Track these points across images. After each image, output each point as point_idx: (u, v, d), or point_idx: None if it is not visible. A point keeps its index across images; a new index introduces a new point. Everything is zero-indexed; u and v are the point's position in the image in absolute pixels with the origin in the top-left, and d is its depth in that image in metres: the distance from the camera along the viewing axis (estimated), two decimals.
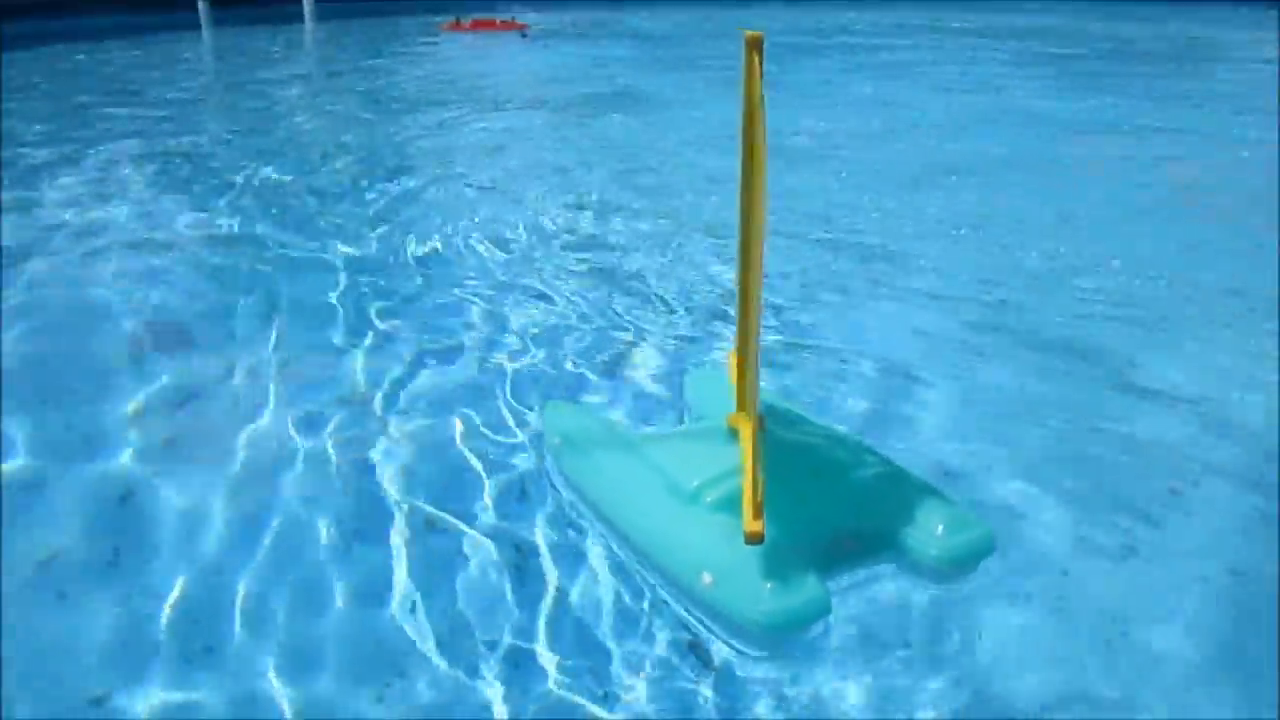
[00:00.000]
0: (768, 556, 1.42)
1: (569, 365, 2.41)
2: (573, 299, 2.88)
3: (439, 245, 3.46)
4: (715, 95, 6.96)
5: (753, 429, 1.41)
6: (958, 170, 4.58)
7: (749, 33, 1.45)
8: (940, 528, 1.55)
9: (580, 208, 3.96)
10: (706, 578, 1.45)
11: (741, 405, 1.70)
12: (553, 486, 1.84)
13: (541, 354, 2.46)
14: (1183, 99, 6.38)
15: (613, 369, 2.38)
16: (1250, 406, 2.16)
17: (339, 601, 1.57)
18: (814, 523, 1.52)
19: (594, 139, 5.43)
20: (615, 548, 1.67)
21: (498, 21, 12.67)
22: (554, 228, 3.69)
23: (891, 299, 2.89)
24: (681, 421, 2.09)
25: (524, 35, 11.73)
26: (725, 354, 1.99)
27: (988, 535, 1.56)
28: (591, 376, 2.34)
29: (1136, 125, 5.71)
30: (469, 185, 4.37)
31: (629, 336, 2.59)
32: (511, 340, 2.57)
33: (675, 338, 2.57)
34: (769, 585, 1.40)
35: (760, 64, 1.45)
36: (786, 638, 1.40)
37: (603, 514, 1.70)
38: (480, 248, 3.43)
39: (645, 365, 2.40)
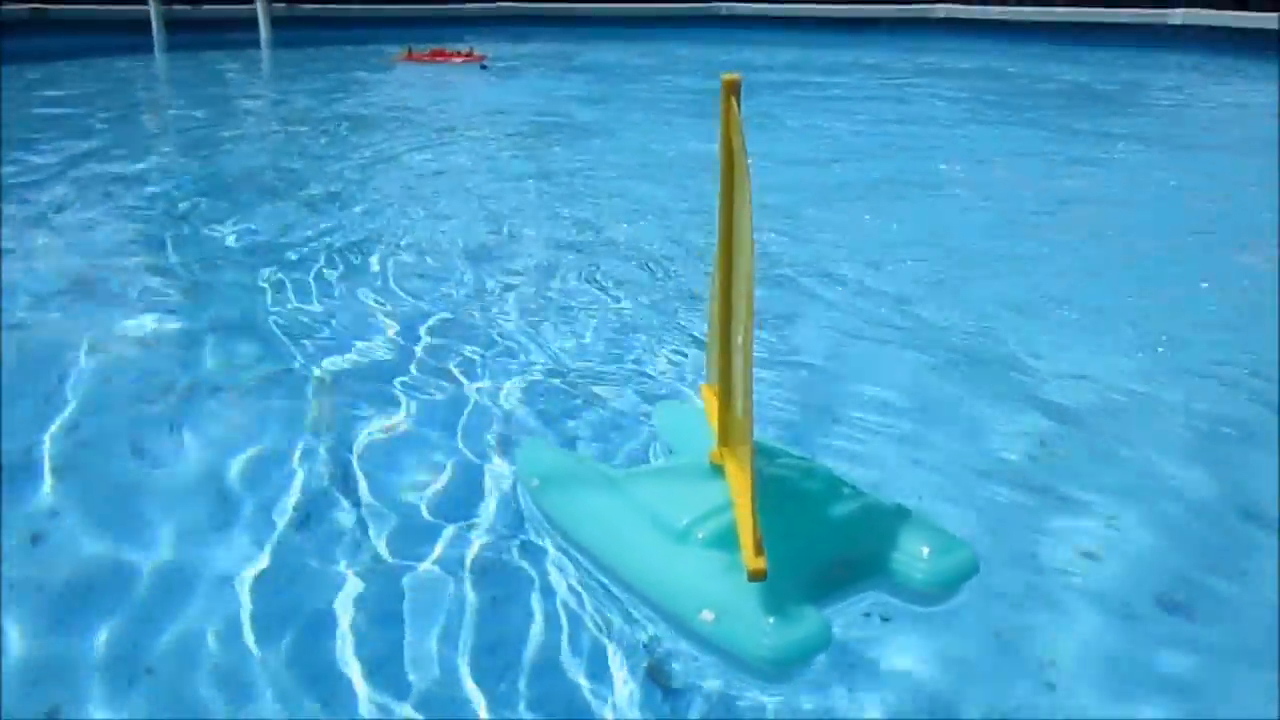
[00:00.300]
0: (766, 591, 1.44)
1: (513, 398, 2.41)
2: (508, 329, 2.91)
3: (370, 268, 3.51)
4: (668, 129, 7.03)
5: (750, 465, 1.43)
6: (867, 189, 4.84)
7: (726, 76, 1.48)
8: (925, 551, 1.59)
9: (512, 236, 4.00)
10: (707, 615, 1.46)
11: (725, 440, 1.73)
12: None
13: (487, 384, 2.48)
14: (1105, 137, 6.67)
15: (565, 401, 2.39)
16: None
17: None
18: (805, 554, 1.55)
19: (539, 170, 5.44)
20: (605, 584, 1.68)
21: (456, 53, 12.39)
22: (486, 256, 3.72)
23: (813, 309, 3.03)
24: (652, 457, 2.11)
25: (484, 67, 11.53)
26: (699, 387, 2.01)
27: (971, 557, 1.61)
28: (543, 409, 2.34)
29: (1048, 154, 5.97)
30: (405, 216, 4.34)
31: (579, 365, 2.61)
32: (447, 369, 2.58)
33: (627, 368, 2.60)
34: (771, 620, 1.42)
35: (738, 106, 1.48)
36: (792, 671, 1.42)
37: (590, 553, 1.69)
38: (411, 271, 3.47)
39: (599, 397, 2.41)
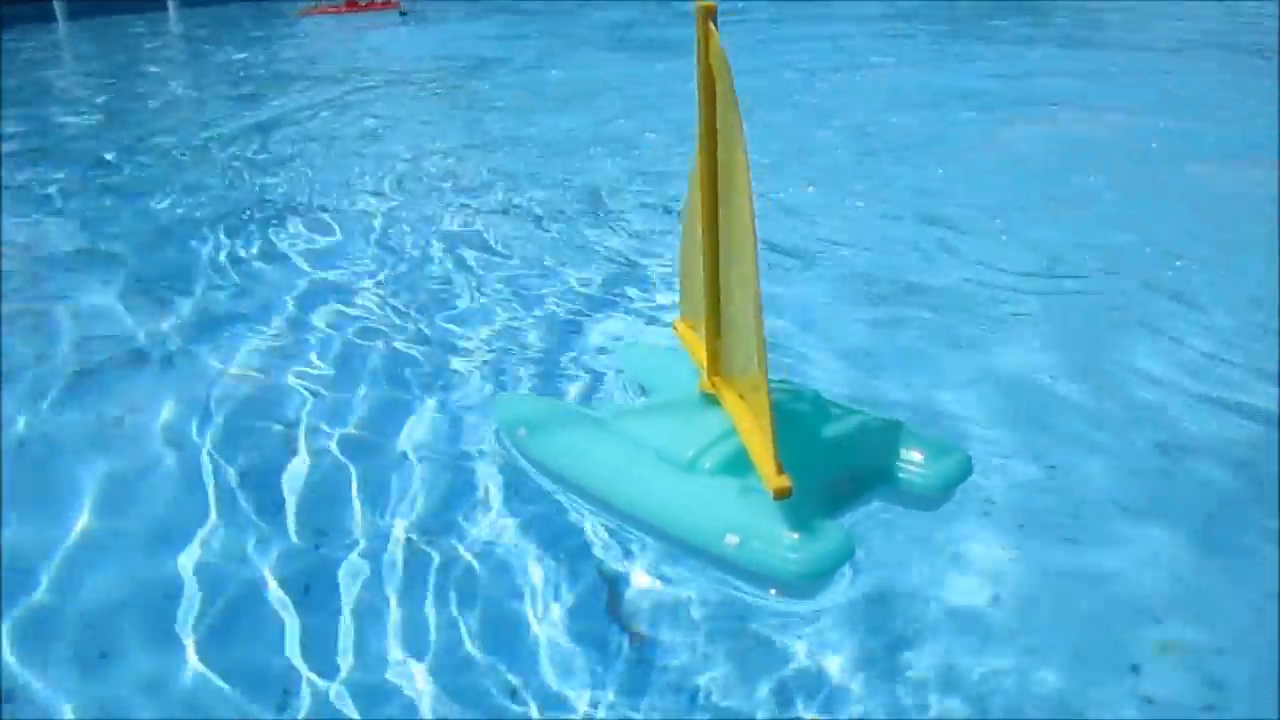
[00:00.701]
0: (786, 510, 1.48)
1: (475, 343, 2.39)
2: (465, 274, 2.88)
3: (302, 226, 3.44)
4: (593, 64, 6.96)
5: (766, 388, 1.45)
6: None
7: (701, 2, 1.47)
8: (922, 457, 1.66)
9: (434, 185, 3.93)
10: (732, 539, 1.49)
11: (715, 369, 1.74)
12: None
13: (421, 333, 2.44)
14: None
15: (517, 350, 2.37)
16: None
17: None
18: (813, 473, 1.58)
19: (465, 115, 5.35)
20: (611, 524, 1.67)
21: (365, 2, 11.65)
22: (424, 203, 3.68)
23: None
24: (617, 397, 2.11)
25: (402, 13, 10.97)
26: (672, 323, 2.02)
27: (966, 458, 1.68)
28: (495, 360, 2.32)
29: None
30: (315, 175, 4.21)
31: (532, 309, 2.61)
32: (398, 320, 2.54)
33: (574, 308, 2.60)
34: (796, 537, 1.46)
35: (715, 33, 1.48)
36: (820, 584, 1.46)
37: (593, 494, 1.69)
38: (348, 218, 3.43)
39: (550, 342, 2.40)
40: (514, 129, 5.14)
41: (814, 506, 1.51)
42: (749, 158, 1.42)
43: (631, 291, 2.72)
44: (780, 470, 1.44)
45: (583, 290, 2.76)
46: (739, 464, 1.59)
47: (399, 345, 2.44)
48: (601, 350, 2.33)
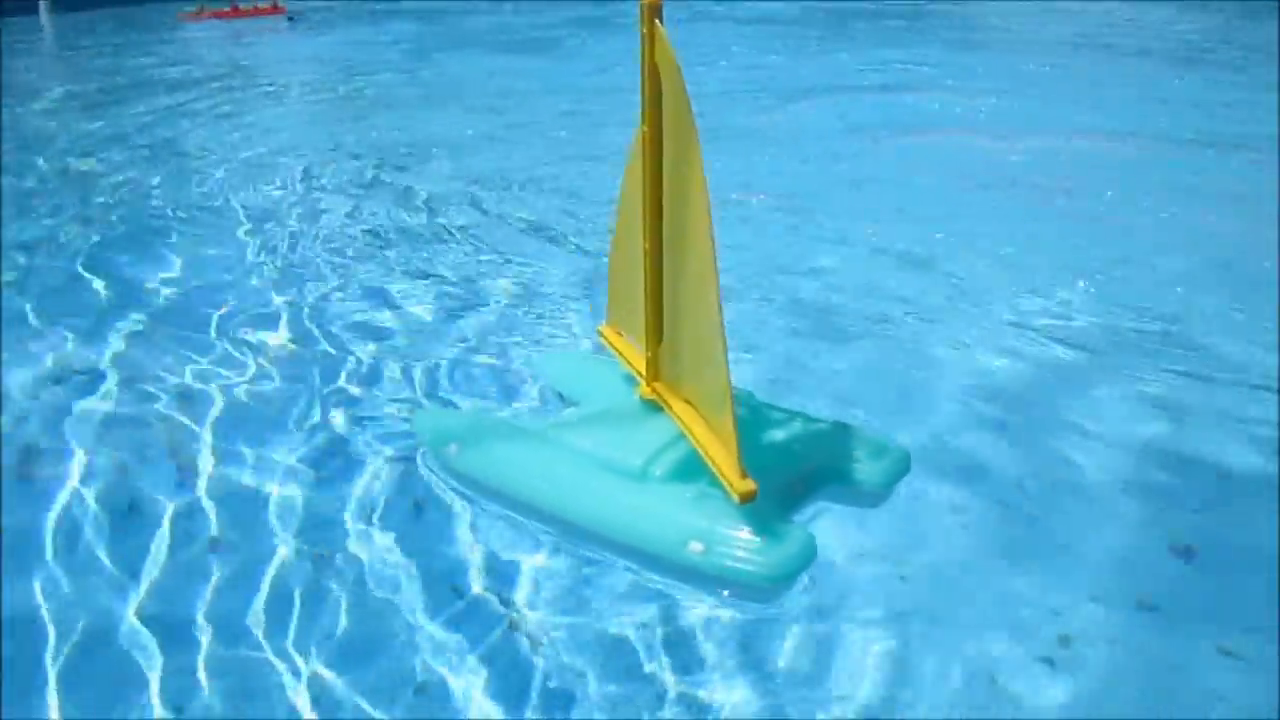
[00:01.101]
0: (748, 514, 1.47)
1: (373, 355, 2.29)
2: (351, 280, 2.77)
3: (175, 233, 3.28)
4: (493, 70, 6.79)
5: (729, 391, 1.43)
6: None
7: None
8: (867, 456, 1.68)
9: (319, 199, 3.76)
10: (696, 546, 1.47)
11: (655, 376, 1.72)
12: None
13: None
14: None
15: (425, 354, 2.30)
16: None
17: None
18: (767, 474, 1.58)
19: (349, 129, 5.09)
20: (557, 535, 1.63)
21: (250, 7, 10.96)
22: (311, 211, 3.53)
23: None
24: (543, 407, 2.06)
25: (290, 20, 10.30)
26: (598, 329, 1.98)
27: (905, 455, 1.72)
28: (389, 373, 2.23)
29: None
30: (191, 190, 3.94)
31: (433, 317, 2.53)
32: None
33: (479, 316, 2.54)
34: (761, 540, 1.45)
35: (661, 30, 1.46)
36: (788, 586, 1.46)
37: (540, 509, 1.64)
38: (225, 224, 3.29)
39: (455, 354, 2.33)
40: (402, 130, 5.00)
41: (774, 509, 1.51)
42: (703, 162, 1.41)
43: (541, 298, 2.67)
44: (744, 474, 1.44)
45: (489, 297, 2.69)
46: (691, 470, 1.58)
47: (288, 354, 2.32)
48: (513, 358, 2.26)
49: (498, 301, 2.64)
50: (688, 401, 1.63)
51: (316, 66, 7.74)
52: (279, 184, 4.00)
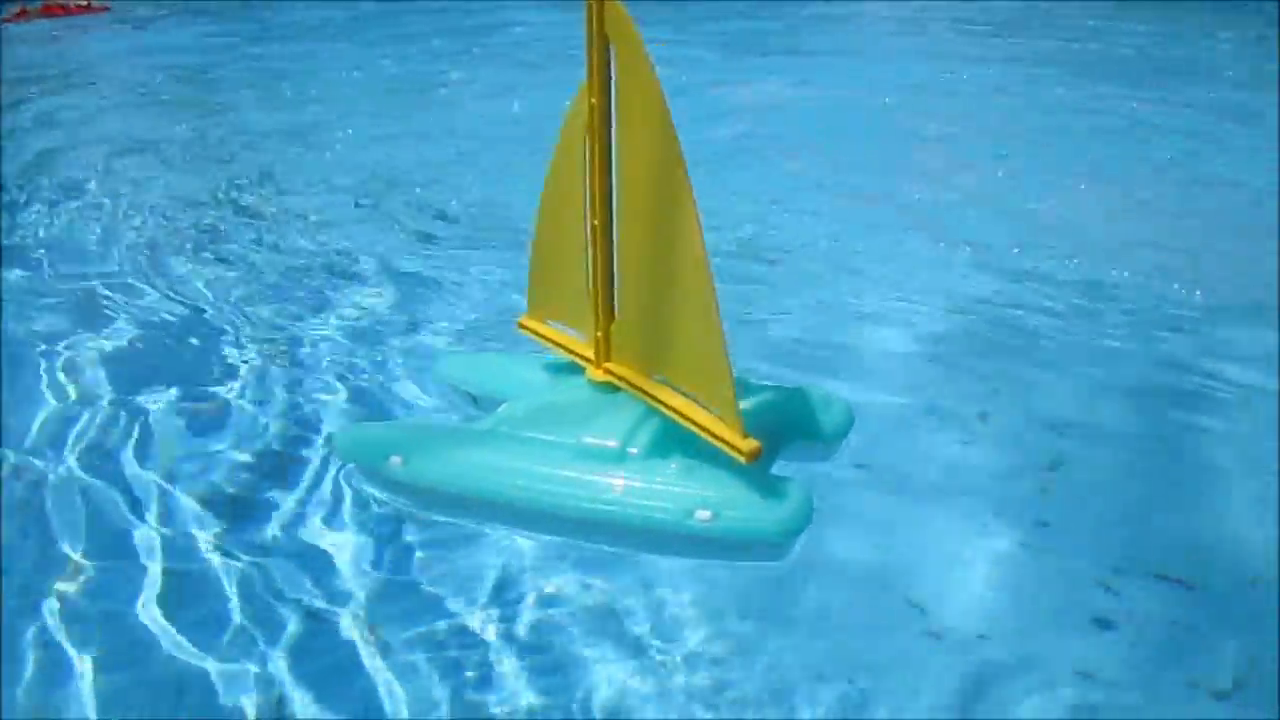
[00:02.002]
0: (747, 476, 1.48)
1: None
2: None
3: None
4: (328, 64, 6.28)
5: (724, 354, 1.42)
6: None
7: None
8: (817, 412, 1.73)
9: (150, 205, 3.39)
10: (703, 514, 1.45)
11: (606, 357, 1.68)
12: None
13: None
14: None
15: (308, 366, 2.14)
16: None
17: None
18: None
19: (177, 132, 4.53)
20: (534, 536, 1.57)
21: (71, 5, 9.39)
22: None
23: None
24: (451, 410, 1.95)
25: (108, 13, 8.98)
26: (518, 323, 1.89)
27: (849, 407, 1.79)
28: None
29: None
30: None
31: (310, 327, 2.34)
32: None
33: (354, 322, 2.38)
34: (766, 499, 1.46)
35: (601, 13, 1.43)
36: (797, 539, 1.47)
37: (518, 509, 1.56)
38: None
39: (340, 359, 2.18)
40: (242, 126, 4.61)
41: (765, 468, 1.53)
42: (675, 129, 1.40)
43: (420, 300, 2.55)
44: (745, 434, 1.44)
45: (364, 302, 2.53)
46: (669, 443, 1.56)
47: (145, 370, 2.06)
48: (408, 366, 2.15)
49: (371, 308, 2.49)
50: (656, 374, 1.61)
51: (142, 61, 6.94)
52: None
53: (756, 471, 1.49)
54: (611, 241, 1.60)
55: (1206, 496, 1.70)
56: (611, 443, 1.56)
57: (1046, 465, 1.77)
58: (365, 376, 2.11)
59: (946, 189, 3.34)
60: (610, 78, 1.50)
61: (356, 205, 3.36)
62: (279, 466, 1.80)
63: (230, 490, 1.73)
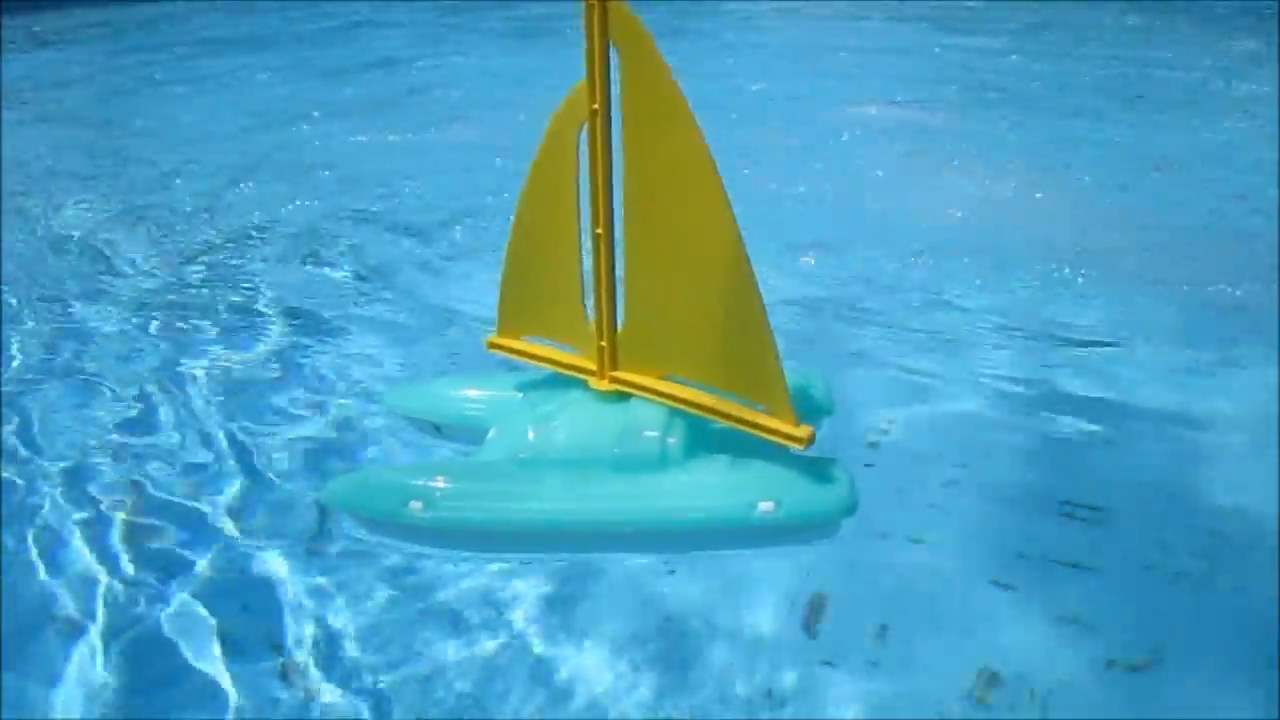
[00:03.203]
0: (797, 462, 1.52)
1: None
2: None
3: None
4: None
5: (772, 346, 1.44)
6: None
7: None
8: (806, 387, 1.79)
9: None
10: (766, 506, 1.47)
11: (611, 365, 1.64)
12: None
13: None
14: None
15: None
16: None
17: None
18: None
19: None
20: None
21: None
22: None
23: None
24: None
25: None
26: (487, 343, 1.80)
27: (825, 376, 1.85)
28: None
29: None
30: None
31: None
32: None
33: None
34: (820, 482, 1.50)
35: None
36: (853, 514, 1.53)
37: (569, 530, 1.52)
38: None
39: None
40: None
41: (796, 454, 1.56)
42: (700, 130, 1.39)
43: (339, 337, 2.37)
44: (796, 421, 1.47)
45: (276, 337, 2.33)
46: (703, 442, 1.57)
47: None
48: (358, 406, 2.01)
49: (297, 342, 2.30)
50: (675, 377, 1.60)
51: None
52: None
53: (798, 457, 1.53)
54: (612, 250, 1.57)
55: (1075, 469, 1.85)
56: (649, 449, 1.54)
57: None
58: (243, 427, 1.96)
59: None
60: (606, 81, 1.47)
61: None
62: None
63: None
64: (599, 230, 1.56)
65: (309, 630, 1.44)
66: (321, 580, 1.54)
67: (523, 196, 1.63)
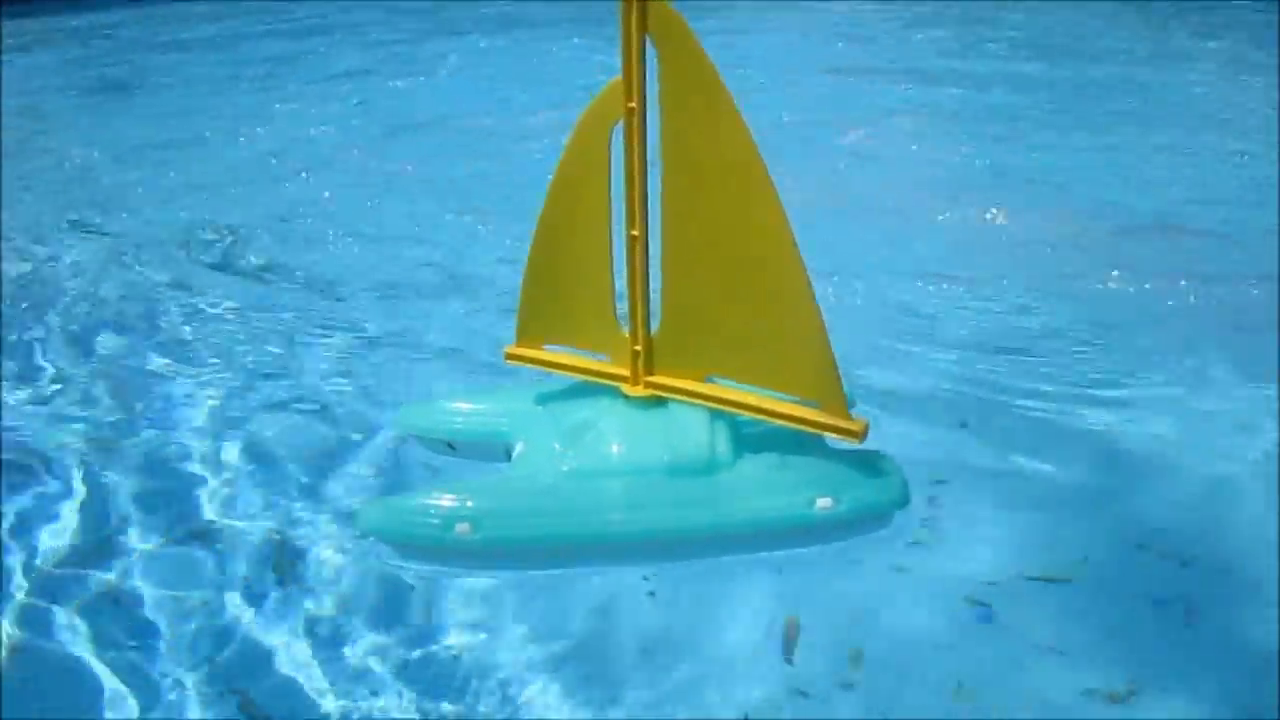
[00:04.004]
0: (848, 457, 1.51)
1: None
2: None
3: None
4: None
5: (826, 338, 1.42)
6: None
7: None
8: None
9: None
10: (825, 502, 1.46)
11: (649, 370, 1.60)
12: None
13: None
14: None
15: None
16: None
17: None
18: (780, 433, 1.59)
19: None
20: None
21: None
22: None
23: None
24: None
25: None
26: (505, 353, 1.73)
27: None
28: None
29: None
30: None
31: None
32: None
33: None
34: (873, 474, 1.50)
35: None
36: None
37: (626, 542, 1.48)
38: None
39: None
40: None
41: (847, 448, 1.55)
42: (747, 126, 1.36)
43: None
44: (850, 415, 1.46)
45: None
46: (746, 442, 1.55)
47: None
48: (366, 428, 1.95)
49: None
50: (717, 377, 1.57)
51: None
52: None
53: (844, 451, 1.53)
54: (647, 251, 1.53)
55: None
56: (699, 453, 1.51)
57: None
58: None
59: None
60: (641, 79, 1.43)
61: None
62: None
63: None
64: (634, 232, 1.51)
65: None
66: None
67: (549, 199, 1.57)
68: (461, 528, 1.47)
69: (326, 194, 3.46)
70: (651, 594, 1.55)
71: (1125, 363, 2.19)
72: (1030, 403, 2.05)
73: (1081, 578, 1.59)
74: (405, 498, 1.57)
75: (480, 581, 1.57)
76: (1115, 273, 2.57)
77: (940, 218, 3.04)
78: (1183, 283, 2.50)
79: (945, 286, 2.53)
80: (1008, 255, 2.74)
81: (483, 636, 1.49)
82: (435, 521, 1.48)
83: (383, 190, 3.49)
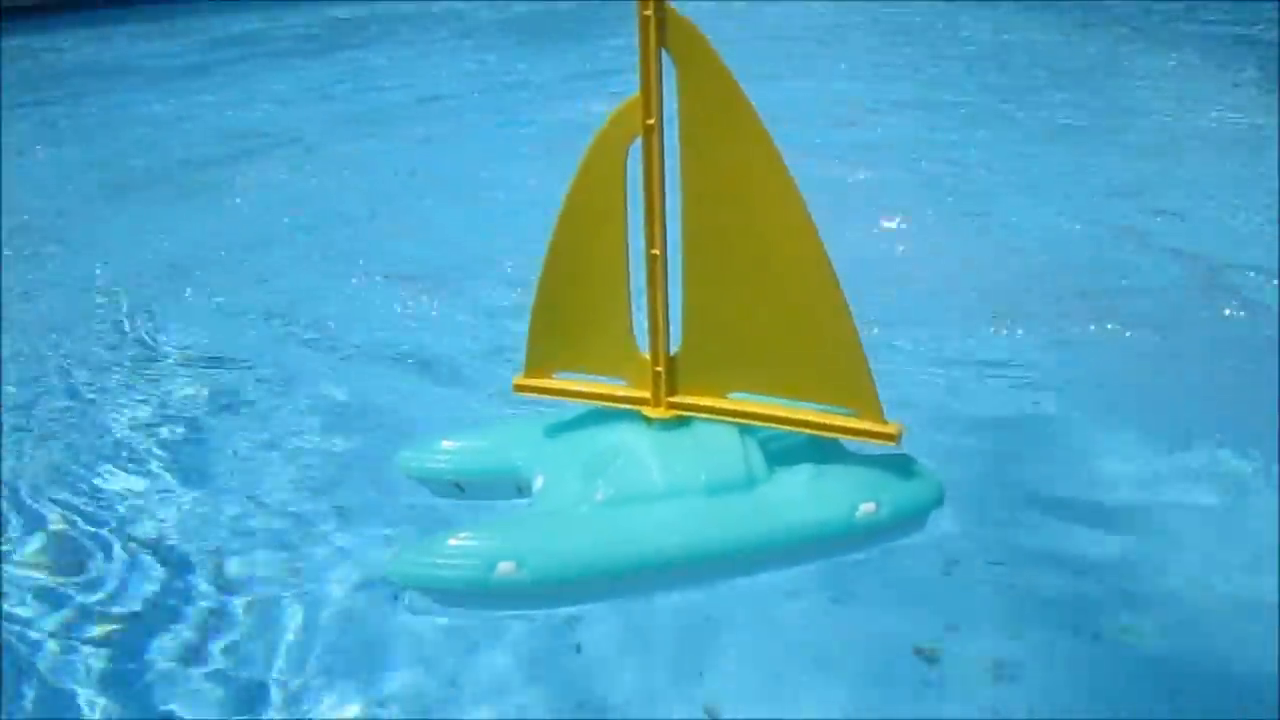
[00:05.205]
0: (884, 462, 1.52)
1: None
2: None
3: None
4: None
5: (859, 340, 1.41)
6: None
7: None
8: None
9: None
10: (868, 507, 1.46)
11: (671, 391, 1.57)
12: None
13: None
14: None
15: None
16: None
17: None
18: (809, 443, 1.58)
19: None
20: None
21: None
22: None
23: None
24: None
25: None
26: (514, 384, 1.66)
27: None
28: None
29: None
30: None
31: None
32: None
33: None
34: (908, 477, 1.51)
35: (672, 8, 1.35)
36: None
37: (670, 568, 1.44)
38: None
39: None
40: None
41: (877, 452, 1.56)
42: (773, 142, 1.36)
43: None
44: (884, 420, 1.47)
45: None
46: (778, 457, 1.54)
47: None
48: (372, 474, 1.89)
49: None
50: (740, 392, 1.55)
51: None
52: None
53: (875, 456, 1.53)
54: (665, 277, 1.51)
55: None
56: (736, 470, 1.49)
57: None
58: None
59: None
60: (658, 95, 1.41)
61: None
62: None
63: None
64: (654, 251, 1.49)
65: None
66: None
67: (561, 223, 1.53)
68: (505, 567, 1.40)
69: None
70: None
71: None
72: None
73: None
74: (429, 543, 1.49)
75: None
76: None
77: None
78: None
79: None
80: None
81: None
82: (475, 562, 1.41)
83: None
